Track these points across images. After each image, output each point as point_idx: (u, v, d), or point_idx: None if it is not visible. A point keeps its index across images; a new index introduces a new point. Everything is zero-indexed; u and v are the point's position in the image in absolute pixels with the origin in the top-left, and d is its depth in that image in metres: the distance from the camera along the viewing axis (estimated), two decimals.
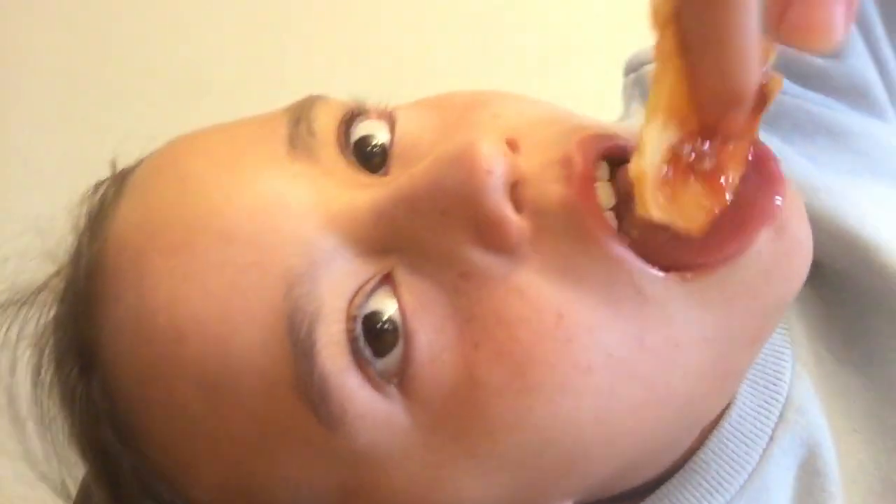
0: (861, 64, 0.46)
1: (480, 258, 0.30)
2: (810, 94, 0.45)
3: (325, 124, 0.34)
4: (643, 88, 0.49)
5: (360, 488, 0.32)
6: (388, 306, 0.30)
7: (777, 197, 0.30)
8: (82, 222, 0.36)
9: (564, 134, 0.32)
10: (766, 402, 0.38)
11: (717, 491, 0.37)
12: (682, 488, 0.37)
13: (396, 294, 0.31)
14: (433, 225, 0.30)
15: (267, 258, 0.31)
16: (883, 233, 0.41)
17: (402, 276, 0.31)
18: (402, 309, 0.30)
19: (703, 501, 0.37)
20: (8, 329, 0.38)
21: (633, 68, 0.50)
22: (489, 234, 0.30)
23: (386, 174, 0.34)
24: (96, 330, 0.34)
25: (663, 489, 0.38)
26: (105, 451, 0.34)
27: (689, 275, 0.30)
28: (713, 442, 0.38)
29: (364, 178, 0.33)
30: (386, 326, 0.30)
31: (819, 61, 0.45)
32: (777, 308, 0.33)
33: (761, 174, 0.30)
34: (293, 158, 0.33)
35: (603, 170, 0.31)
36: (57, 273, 0.37)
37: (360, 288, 0.31)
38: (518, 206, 0.31)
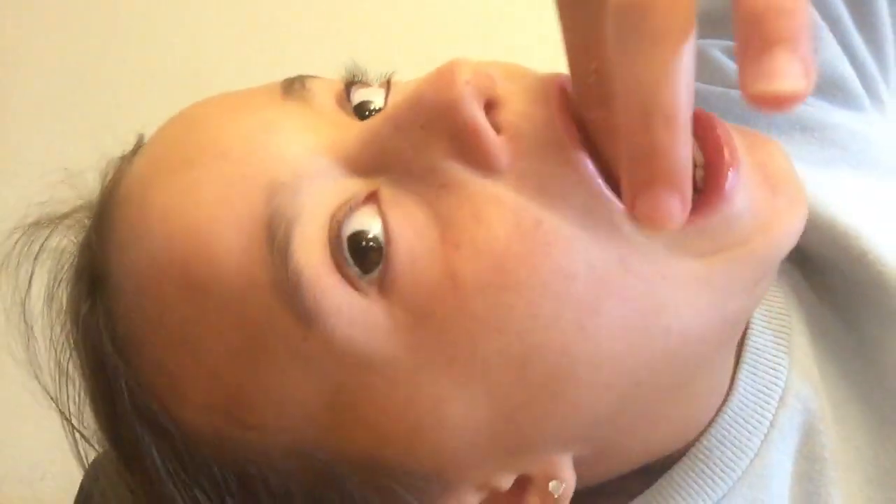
0: (834, 57, 0.46)
1: (460, 171, 0.31)
2: None
3: (320, 86, 0.36)
4: None
5: (343, 398, 0.32)
6: (373, 225, 0.31)
7: (729, 173, 0.31)
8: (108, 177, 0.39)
9: (545, 79, 0.33)
10: (766, 388, 0.38)
11: (720, 477, 0.37)
12: (686, 475, 0.38)
13: (380, 209, 0.31)
14: (415, 141, 0.31)
15: (254, 171, 0.32)
16: (862, 222, 0.41)
17: (387, 193, 0.32)
18: (383, 219, 0.31)
19: (707, 487, 0.37)
20: (31, 245, 0.40)
21: None
22: (466, 145, 0.31)
23: None
24: (104, 250, 0.35)
25: (667, 476, 0.38)
26: (104, 368, 0.35)
27: None
28: (715, 428, 0.38)
29: (357, 123, 0.34)
30: (371, 244, 0.31)
31: None
32: (776, 258, 0.33)
33: (706, 149, 0.32)
34: (286, 101, 0.35)
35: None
36: (81, 207, 0.39)
37: (346, 202, 0.32)
38: (497, 128, 0.31)
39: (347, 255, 0.31)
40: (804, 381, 0.39)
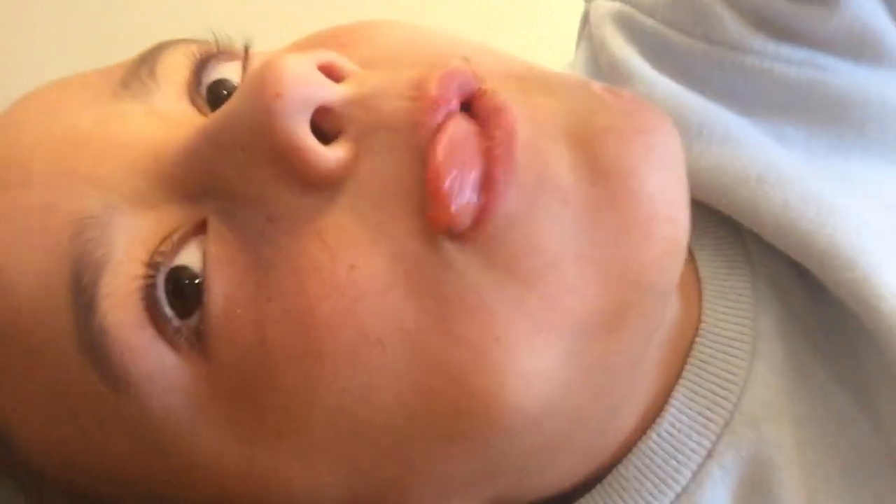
0: (864, 10, 0.36)
1: (289, 198, 0.26)
2: (787, 51, 0.36)
3: (173, 66, 0.30)
4: (586, 23, 0.43)
5: (177, 462, 0.28)
6: (197, 260, 0.27)
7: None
8: None
9: (430, 61, 0.27)
10: (708, 409, 0.32)
11: None
12: None
13: (204, 247, 0.27)
14: (238, 163, 0.26)
15: (58, 200, 0.27)
16: (846, 233, 0.33)
17: (214, 225, 0.27)
18: (204, 261, 0.26)
19: None
20: None
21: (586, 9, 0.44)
22: (290, 167, 0.25)
23: None
24: None
25: None
26: None
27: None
28: (636, 456, 0.31)
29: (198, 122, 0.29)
30: (194, 282, 0.26)
31: (807, 15, 0.36)
32: (635, 282, 0.26)
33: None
34: (118, 99, 0.29)
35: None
36: None
37: (168, 236, 0.27)
38: (337, 131, 0.26)
39: (164, 300, 0.26)
40: (763, 404, 0.32)
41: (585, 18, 0.44)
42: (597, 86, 0.28)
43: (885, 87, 0.37)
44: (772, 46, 0.36)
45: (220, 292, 0.26)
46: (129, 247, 0.26)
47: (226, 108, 0.26)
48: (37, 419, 0.29)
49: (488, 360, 0.25)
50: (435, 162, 0.24)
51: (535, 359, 0.25)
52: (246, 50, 0.31)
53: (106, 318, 0.26)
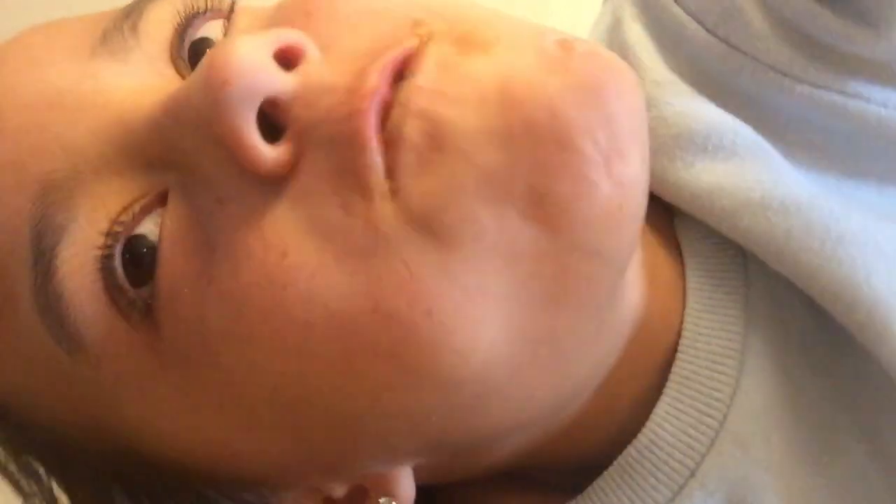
0: None
1: (237, 184, 0.26)
2: (814, 73, 0.33)
3: (157, 21, 0.30)
4: None
5: (127, 427, 0.29)
6: (156, 231, 0.27)
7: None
8: None
9: (384, 42, 0.26)
10: (692, 428, 0.30)
11: None
12: None
13: (161, 219, 0.27)
14: (196, 141, 0.26)
15: (28, 158, 0.28)
16: (854, 268, 0.31)
17: (173, 198, 0.27)
18: (160, 233, 0.27)
19: None
20: None
21: None
22: (235, 157, 0.26)
23: None
24: None
25: None
26: None
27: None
28: (616, 469, 0.30)
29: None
30: (150, 251, 0.27)
31: (855, 34, 0.33)
32: (574, 243, 0.25)
33: None
34: (95, 56, 0.29)
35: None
36: None
37: (129, 205, 0.27)
38: (283, 126, 0.26)
39: (120, 271, 0.27)
40: (752, 423, 0.31)
41: None
42: (551, 38, 0.26)
43: None
44: (798, 66, 0.33)
45: (169, 267, 0.27)
46: (90, 213, 0.27)
47: (185, 83, 0.26)
48: None
49: (420, 336, 0.25)
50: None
51: (473, 331, 0.25)
52: (232, 6, 0.31)
53: (62, 283, 0.26)
